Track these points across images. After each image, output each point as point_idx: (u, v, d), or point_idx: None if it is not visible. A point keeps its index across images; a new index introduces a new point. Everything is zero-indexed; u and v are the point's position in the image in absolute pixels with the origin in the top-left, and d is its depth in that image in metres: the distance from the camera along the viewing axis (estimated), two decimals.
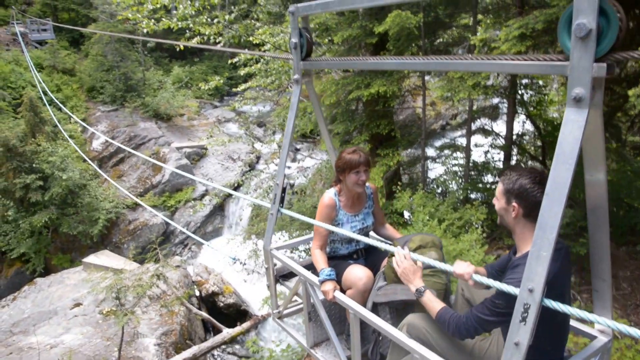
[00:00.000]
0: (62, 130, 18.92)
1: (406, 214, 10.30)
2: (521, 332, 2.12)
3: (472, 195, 10.11)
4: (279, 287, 4.55)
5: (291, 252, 11.70)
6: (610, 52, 1.93)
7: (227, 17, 12.99)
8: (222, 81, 14.09)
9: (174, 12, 13.41)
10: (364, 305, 3.58)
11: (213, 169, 22.65)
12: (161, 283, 12.10)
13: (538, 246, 2.06)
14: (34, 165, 17.66)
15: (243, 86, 13.35)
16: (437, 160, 12.31)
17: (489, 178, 10.56)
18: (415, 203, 9.02)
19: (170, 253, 18.43)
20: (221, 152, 22.89)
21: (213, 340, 11.81)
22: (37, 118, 19.27)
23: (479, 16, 9.43)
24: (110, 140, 14.57)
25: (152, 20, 13.10)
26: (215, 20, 12.79)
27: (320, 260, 3.90)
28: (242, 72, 13.03)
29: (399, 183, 10.85)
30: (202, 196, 21.17)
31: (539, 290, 2.06)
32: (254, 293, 14.79)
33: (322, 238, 4.02)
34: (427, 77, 11.73)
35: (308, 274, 3.89)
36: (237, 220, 19.66)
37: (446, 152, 11.88)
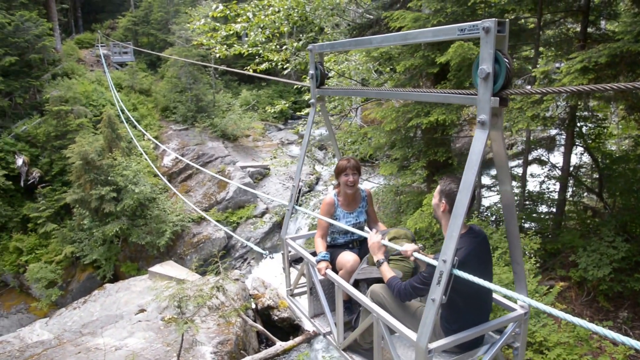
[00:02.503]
0: (137, 146, 19.47)
1: None
2: (436, 291, 2.74)
3: (526, 225, 9.74)
4: (293, 271, 5.28)
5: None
6: (502, 89, 2.56)
7: (295, 44, 13.30)
8: (287, 105, 14.40)
9: (245, 38, 13.79)
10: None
11: (274, 188, 22.78)
12: (220, 295, 12.21)
13: (451, 229, 2.67)
14: (109, 178, 18.28)
15: (307, 110, 13.49)
16: (492, 188, 12.05)
17: (543, 208, 10.24)
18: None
19: (230, 267, 18.54)
20: (283, 172, 23.04)
21: (266, 352, 11.82)
22: (114, 134, 20.09)
23: (541, 48, 9.26)
24: (180, 157, 14.93)
25: (225, 46, 13.52)
26: (284, 47, 12.99)
27: (319, 246, 4.64)
28: (307, 97, 13.29)
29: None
30: (263, 214, 21.32)
31: (450, 260, 2.69)
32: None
33: (323, 229, 4.71)
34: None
35: (310, 257, 4.60)
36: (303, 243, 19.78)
37: None
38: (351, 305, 4.58)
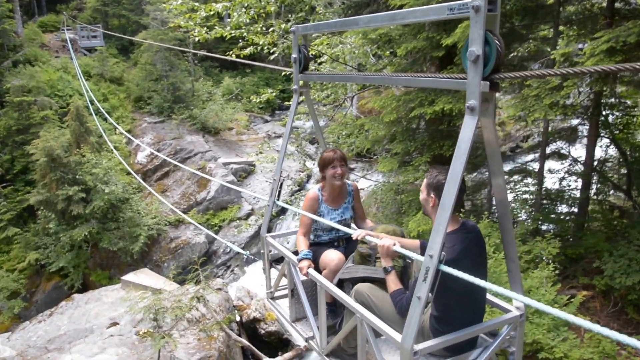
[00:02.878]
0: (108, 141, 19.19)
1: None
2: (422, 289, 2.82)
3: (544, 227, 9.61)
4: (274, 272, 5.40)
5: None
6: (493, 73, 2.65)
7: (283, 26, 13.00)
8: (274, 94, 14.10)
9: (227, 20, 13.54)
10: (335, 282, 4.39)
11: (260, 186, 22.75)
12: (201, 306, 12.00)
13: (438, 222, 2.77)
14: (77, 176, 17.99)
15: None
16: (506, 185, 11.83)
17: (563, 208, 10.09)
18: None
19: (212, 275, 18.42)
20: (270, 169, 23.00)
21: None
22: (82, 128, 19.80)
23: (561, 27, 9.04)
24: (156, 153, 14.89)
25: (205, 29, 13.27)
26: (271, 30, 12.82)
27: (301, 244, 4.77)
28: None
29: (462, 210, 10.42)
30: (248, 216, 21.23)
31: (436, 255, 2.76)
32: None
33: (305, 226, 4.85)
34: (497, 94, 11.60)
35: (292, 255, 4.71)
36: (285, 242, 19.62)
37: (515, 177, 11.40)
38: (336, 308, 4.66)
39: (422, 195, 3.59)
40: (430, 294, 2.88)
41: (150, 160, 23.50)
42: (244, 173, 23.77)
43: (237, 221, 20.66)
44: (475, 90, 2.64)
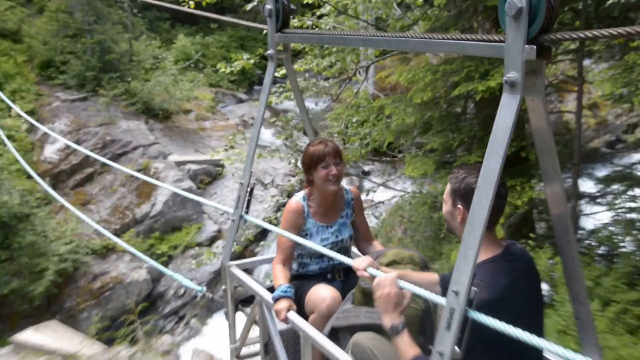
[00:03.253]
0: None
1: (543, 286, 9.78)
2: (445, 341, 2.84)
3: None
4: (240, 317, 5.61)
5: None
6: (542, 33, 2.65)
7: None
8: (252, 61, 14.05)
9: None
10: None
11: (232, 197, 22.28)
12: None
13: (466, 244, 2.81)
14: None
15: (283, 71, 12.55)
16: (599, 199, 11.45)
17: None
18: (559, 270, 8.55)
19: (157, 330, 18.03)
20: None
21: None
22: None
23: None
24: (74, 146, 14.09)
25: None
26: None
27: (279, 276, 4.90)
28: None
29: (532, 235, 10.28)
30: (213, 241, 20.96)
31: (464, 292, 2.79)
32: None
33: (285, 251, 5.03)
34: (586, 62, 11.25)
35: (265, 293, 4.86)
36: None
37: (615, 186, 11.09)
38: None
39: (446, 207, 3.70)
40: (457, 349, 2.87)
41: (64, 158, 22.86)
42: (208, 177, 23.50)
43: (196, 248, 20.19)
44: (516, 57, 2.69)
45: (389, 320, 3.53)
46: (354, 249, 5.39)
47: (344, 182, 5.51)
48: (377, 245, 5.26)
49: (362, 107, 13.82)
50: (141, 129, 25.14)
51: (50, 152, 23.32)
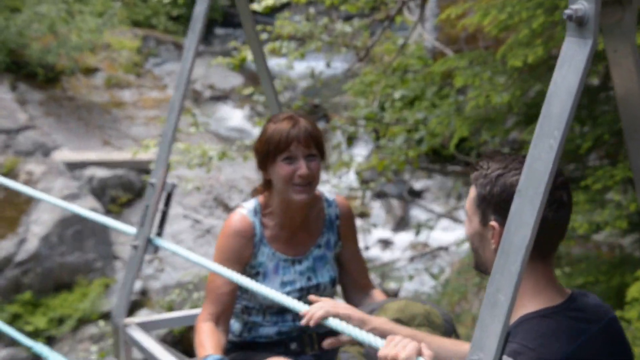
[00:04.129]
0: None
1: None
2: None
3: None
4: None
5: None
6: None
7: None
8: None
9: None
10: None
11: (172, 232, 17.44)
12: None
13: (495, 285, 2.17)
14: None
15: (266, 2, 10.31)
16: None
17: None
18: None
19: None
20: (200, 182, 16.79)
21: None
22: None
23: None
24: None
25: None
26: None
27: (206, 341, 3.92)
28: None
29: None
30: (132, 309, 16.23)
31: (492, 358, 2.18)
32: None
33: (218, 300, 4.00)
34: None
35: None
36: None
37: None
38: None
39: (471, 226, 2.72)
40: None
41: None
42: (126, 192, 17.85)
43: (100, 324, 14.67)
44: None
45: None
46: (340, 300, 4.25)
47: (324, 189, 4.79)
48: (377, 295, 4.09)
49: (412, 71, 11.53)
50: (2, 99, 19.12)
51: None
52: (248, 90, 12.07)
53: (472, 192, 2.70)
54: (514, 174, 2.52)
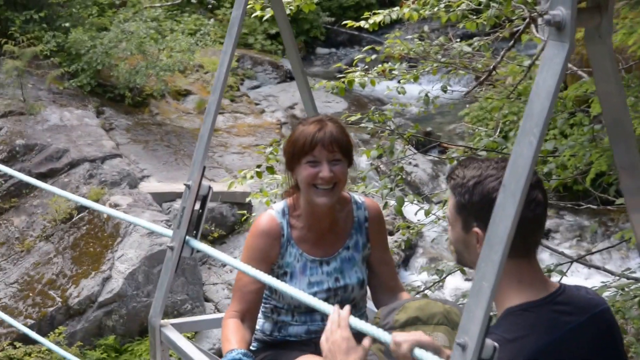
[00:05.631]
0: None
1: None
2: None
3: None
4: None
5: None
6: None
7: None
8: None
9: None
10: None
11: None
12: None
13: (480, 274, 2.39)
14: None
15: (381, 14, 10.00)
16: None
17: None
18: None
19: None
20: None
21: None
22: None
23: None
24: None
25: None
26: None
27: (231, 336, 4.15)
28: None
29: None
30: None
31: (473, 346, 2.36)
32: None
33: (245, 298, 4.24)
34: None
35: None
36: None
37: None
38: None
39: (454, 232, 3.05)
40: None
41: None
42: (219, 227, 17.68)
43: None
44: None
45: None
46: (371, 305, 4.54)
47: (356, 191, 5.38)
48: (405, 297, 4.30)
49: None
50: (88, 125, 18.70)
51: None
52: (354, 117, 10.77)
53: (451, 200, 3.03)
54: (490, 181, 2.81)
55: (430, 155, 17.45)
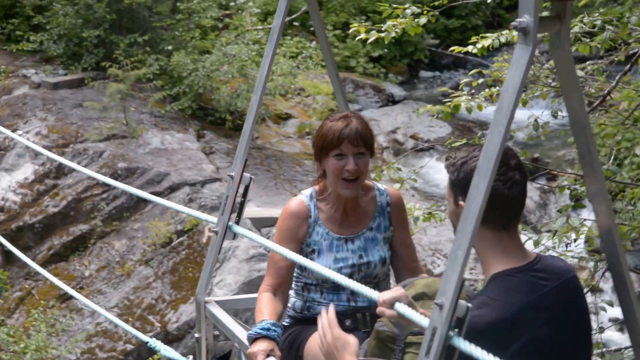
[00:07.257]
0: None
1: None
2: None
3: None
4: None
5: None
6: None
7: None
8: (423, 21, 9.43)
9: None
10: None
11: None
12: None
13: (457, 242, 2.70)
14: None
15: (489, 38, 9.31)
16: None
17: None
18: None
19: None
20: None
21: None
22: None
23: None
24: (76, 167, 9.98)
25: None
26: None
27: (264, 308, 4.52)
28: None
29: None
30: None
31: (449, 304, 2.63)
32: None
33: (277, 273, 4.62)
34: None
35: (241, 334, 4.64)
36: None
37: None
38: None
39: (449, 207, 3.57)
40: None
41: (33, 199, 17.65)
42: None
43: None
44: None
45: None
46: (393, 281, 5.01)
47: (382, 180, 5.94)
48: (424, 275, 4.80)
49: None
50: (189, 149, 19.41)
51: (4, 187, 18.44)
52: (459, 143, 10.27)
53: (448, 180, 3.53)
54: (473, 161, 3.25)
55: (538, 183, 16.39)
